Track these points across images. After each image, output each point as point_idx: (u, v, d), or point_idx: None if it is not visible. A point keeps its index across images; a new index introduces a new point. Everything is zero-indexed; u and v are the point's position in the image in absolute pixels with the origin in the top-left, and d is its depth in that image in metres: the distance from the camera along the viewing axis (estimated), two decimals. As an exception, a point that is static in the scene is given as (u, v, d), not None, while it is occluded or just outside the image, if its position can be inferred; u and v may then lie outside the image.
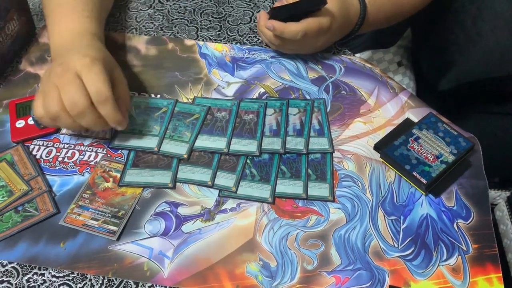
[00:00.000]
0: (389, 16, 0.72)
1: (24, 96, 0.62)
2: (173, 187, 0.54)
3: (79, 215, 0.52)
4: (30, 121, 0.59)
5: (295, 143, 0.58)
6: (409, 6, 0.74)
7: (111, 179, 0.55)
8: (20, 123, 0.59)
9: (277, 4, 0.64)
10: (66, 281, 0.48)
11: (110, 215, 0.52)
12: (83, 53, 0.52)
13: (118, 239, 0.50)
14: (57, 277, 0.48)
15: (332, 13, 0.61)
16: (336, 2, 0.62)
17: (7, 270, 0.48)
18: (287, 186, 0.54)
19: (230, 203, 0.54)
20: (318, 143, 0.58)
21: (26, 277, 0.48)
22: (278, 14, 0.61)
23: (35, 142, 0.58)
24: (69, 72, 0.50)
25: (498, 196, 1.03)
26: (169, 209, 0.53)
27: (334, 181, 0.55)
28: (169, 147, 0.56)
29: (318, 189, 0.54)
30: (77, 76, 0.50)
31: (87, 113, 0.50)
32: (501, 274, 0.49)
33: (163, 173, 0.55)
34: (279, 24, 0.60)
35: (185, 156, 0.56)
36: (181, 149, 0.56)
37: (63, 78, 0.50)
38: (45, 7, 0.63)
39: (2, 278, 0.48)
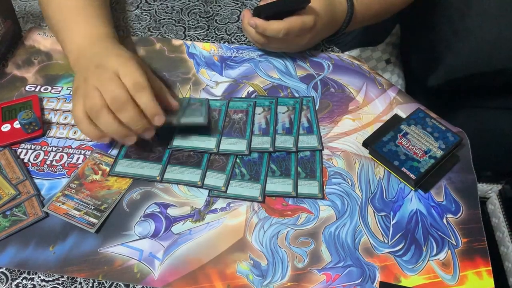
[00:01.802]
0: (378, 14, 0.72)
1: (11, 99, 0.62)
2: (160, 181, 0.55)
3: (63, 203, 0.52)
4: (17, 124, 0.58)
5: (285, 142, 0.58)
6: (397, 2, 0.74)
7: (100, 172, 0.55)
8: (6, 127, 0.59)
9: (261, 3, 0.64)
10: (56, 285, 0.47)
11: (92, 207, 0.52)
12: (116, 54, 0.55)
13: (97, 231, 0.51)
14: (47, 281, 0.48)
15: (316, 11, 0.61)
16: (321, 0, 0.62)
17: (-5, 275, 0.48)
18: (277, 185, 0.54)
19: (220, 203, 0.53)
20: (308, 141, 0.58)
21: (15, 282, 0.47)
22: (261, 12, 0.61)
23: (22, 145, 0.58)
24: (107, 72, 0.52)
25: (490, 189, 1.04)
26: (158, 210, 0.53)
27: (323, 179, 0.55)
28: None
29: (308, 187, 0.54)
30: (115, 74, 0.52)
31: (128, 106, 0.51)
32: (490, 268, 0.49)
33: (152, 166, 0.55)
34: (261, 22, 0.60)
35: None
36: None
37: (102, 78, 0.52)
38: (53, 14, 0.64)
39: (-9, 284, 0.47)
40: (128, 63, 0.53)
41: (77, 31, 0.61)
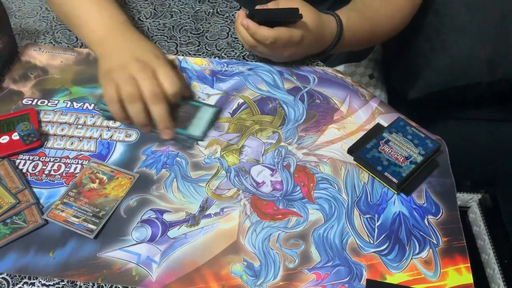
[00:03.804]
0: (363, 43, 0.77)
1: (8, 113, 0.64)
2: (221, 109, 0.66)
3: (62, 211, 0.54)
4: (15, 136, 0.60)
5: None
6: (382, 34, 0.78)
7: (97, 181, 0.57)
8: (4, 139, 0.60)
9: (258, 7, 0.68)
10: (56, 289, 0.49)
11: (91, 214, 0.54)
12: (154, 53, 0.63)
13: (96, 237, 0.52)
14: (47, 286, 0.49)
15: (305, 28, 0.65)
16: (313, 19, 0.66)
17: (-3, 281, 0.49)
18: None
19: (213, 208, 0.56)
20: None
21: (16, 287, 0.49)
22: (255, 15, 0.64)
23: (21, 156, 0.60)
24: (148, 69, 0.60)
25: (470, 199, 1.07)
26: (154, 216, 0.55)
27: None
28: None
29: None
30: (154, 72, 0.61)
31: (163, 102, 0.59)
32: (469, 264, 0.52)
33: (202, 111, 0.65)
34: (253, 24, 0.64)
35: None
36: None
37: (143, 73, 0.60)
38: (63, 4, 0.70)
39: (-8, 289, 0.49)
40: (166, 67, 0.62)
41: (95, 20, 0.67)
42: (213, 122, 0.64)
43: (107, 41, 0.65)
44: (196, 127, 0.63)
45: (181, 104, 0.64)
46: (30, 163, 0.59)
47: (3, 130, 0.61)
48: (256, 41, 0.65)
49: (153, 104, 0.59)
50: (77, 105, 0.66)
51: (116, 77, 0.60)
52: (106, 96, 0.60)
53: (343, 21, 0.70)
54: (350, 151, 0.62)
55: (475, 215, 1.05)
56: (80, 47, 0.74)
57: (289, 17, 0.64)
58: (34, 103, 0.66)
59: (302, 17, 0.63)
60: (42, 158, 0.60)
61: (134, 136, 0.63)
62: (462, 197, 1.05)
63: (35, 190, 0.57)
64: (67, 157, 0.60)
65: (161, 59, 0.63)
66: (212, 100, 0.68)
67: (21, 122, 0.60)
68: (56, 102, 0.66)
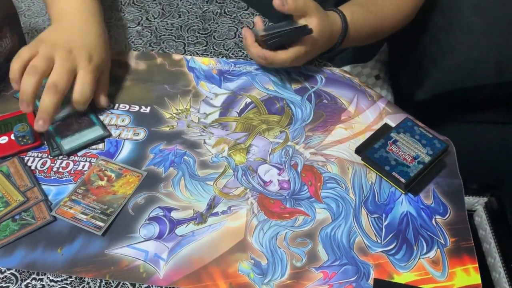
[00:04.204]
0: (368, 37, 0.77)
1: (17, 110, 0.64)
2: (110, 135, 0.63)
3: (70, 208, 0.54)
4: (14, 137, 0.60)
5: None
6: (387, 28, 0.78)
7: (105, 178, 0.58)
8: (3, 139, 0.61)
9: (257, 21, 0.68)
10: (64, 285, 0.49)
11: (99, 211, 0.54)
12: (90, 55, 0.63)
13: (104, 234, 0.53)
14: (55, 282, 0.49)
15: (317, 35, 0.66)
16: (321, 22, 0.66)
17: (6, 276, 0.50)
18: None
19: (221, 206, 0.56)
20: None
21: (25, 283, 0.49)
22: (267, 44, 0.65)
23: (29, 154, 0.60)
24: (71, 64, 0.60)
25: (476, 202, 1.06)
26: (162, 213, 0.55)
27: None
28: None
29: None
30: (74, 70, 0.60)
31: (56, 96, 0.58)
32: (477, 265, 0.52)
33: (91, 130, 0.62)
34: (269, 54, 0.65)
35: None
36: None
37: (65, 63, 0.60)
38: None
39: (1, 285, 0.49)
40: (90, 75, 0.61)
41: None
42: (90, 144, 0.62)
43: (62, 19, 0.66)
44: (71, 142, 0.61)
45: (84, 113, 0.64)
46: (39, 160, 0.60)
47: (1, 130, 0.62)
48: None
49: (47, 93, 0.58)
50: (85, 104, 0.66)
51: (40, 48, 0.60)
52: (20, 52, 0.60)
53: (347, 17, 0.70)
54: (358, 151, 0.62)
55: (481, 219, 1.05)
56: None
57: (300, 35, 0.64)
58: (43, 101, 0.66)
59: (312, 32, 0.64)
60: (51, 156, 0.60)
61: (142, 134, 0.63)
62: (468, 200, 1.05)
63: (43, 187, 0.57)
64: (76, 155, 0.60)
65: (92, 64, 0.62)
66: (220, 100, 0.68)
67: (19, 123, 0.60)
68: (65, 100, 0.67)
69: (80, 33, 0.65)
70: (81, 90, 0.60)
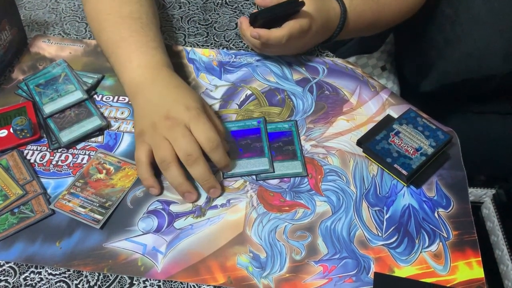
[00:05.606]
0: (369, 25, 0.75)
1: (17, 103, 0.64)
2: (109, 124, 0.62)
3: (69, 201, 0.54)
4: (13, 130, 0.60)
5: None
6: (390, 17, 0.76)
7: (104, 171, 0.57)
8: (3, 133, 0.61)
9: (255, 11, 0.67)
10: (63, 278, 0.49)
11: (97, 205, 0.54)
12: (185, 105, 0.55)
13: (102, 227, 0.52)
14: (54, 275, 0.49)
15: (310, 14, 0.64)
16: (314, 4, 0.65)
17: (4, 269, 0.50)
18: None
19: (220, 199, 0.56)
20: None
21: (23, 276, 0.49)
22: (258, 18, 0.63)
23: (29, 147, 0.60)
24: (179, 126, 0.54)
25: (484, 194, 1.05)
26: (161, 207, 0.55)
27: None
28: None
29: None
30: (187, 128, 0.54)
31: (200, 162, 0.53)
32: (480, 258, 0.51)
33: (89, 120, 0.61)
34: (264, 31, 0.63)
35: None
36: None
37: (174, 132, 0.54)
38: (106, 43, 0.64)
39: (0, 278, 0.49)
40: (200, 118, 0.54)
41: (129, 62, 0.61)
42: (88, 135, 0.61)
43: (138, 94, 0.60)
44: (69, 133, 0.60)
45: (82, 104, 0.63)
46: (38, 153, 0.59)
47: (1, 124, 0.61)
48: (268, 43, 0.64)
49: (189, 166, 0.53)
50: (85, 96, 0.66)
51: (147, 139, 0.55)
52: (136, 159, 0.55)
53: (346, 2, 0.68)
54: (359, 142, 0.61)
55: (489, 211, 1.04)
56: (89, 38, 0.74)
57: (291, 8, 0.62)
58: (42, 94, 0.66)
59: (304, 4, 0.62)
60: (50, 149, 0.60)
61: (141, 127, 0.62)
62: (476, 192, 1.04)
63: (42, 180, 0.57)
64: (74, 148, 0.60)
65: (193, 110, 0.55)
66: (220, 92, 0.67)
67: (18, 116, 0.60)
68: (64, 93, 0.66)
69: (158, 95, 0.58)
70: (205, 137, 0.54)
